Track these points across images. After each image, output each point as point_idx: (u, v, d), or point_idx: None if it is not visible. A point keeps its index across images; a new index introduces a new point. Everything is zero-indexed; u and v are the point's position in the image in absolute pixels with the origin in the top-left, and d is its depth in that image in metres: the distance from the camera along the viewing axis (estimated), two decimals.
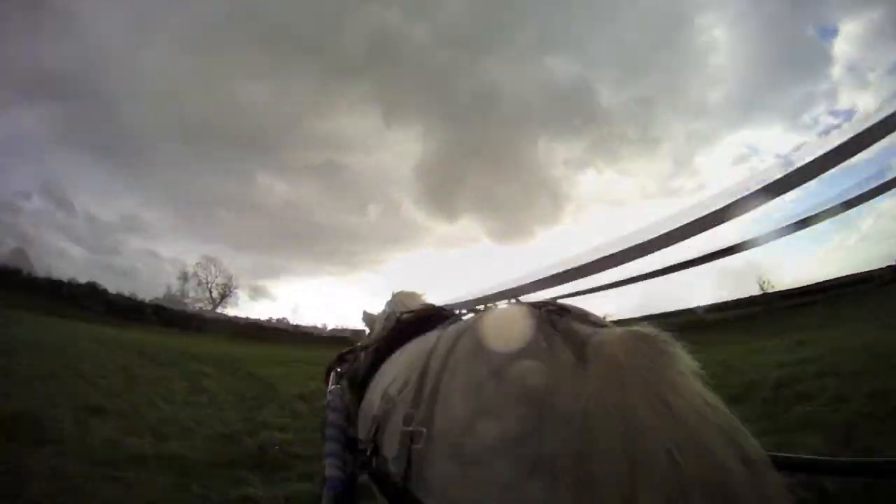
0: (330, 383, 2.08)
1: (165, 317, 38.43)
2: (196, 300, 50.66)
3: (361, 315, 2.75)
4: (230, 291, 52.55)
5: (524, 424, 0.86)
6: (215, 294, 51.41)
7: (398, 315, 1.92)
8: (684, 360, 0.82)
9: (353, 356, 2.33)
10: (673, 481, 0.66)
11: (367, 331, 2.63)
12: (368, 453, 1.24)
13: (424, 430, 1.00)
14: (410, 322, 1.77)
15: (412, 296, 2.37)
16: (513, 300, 1.48)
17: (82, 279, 39.68)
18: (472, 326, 1.13)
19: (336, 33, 74.38)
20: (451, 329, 1.20)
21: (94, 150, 65.90)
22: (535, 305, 1.11)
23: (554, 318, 1.02)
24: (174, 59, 67.49)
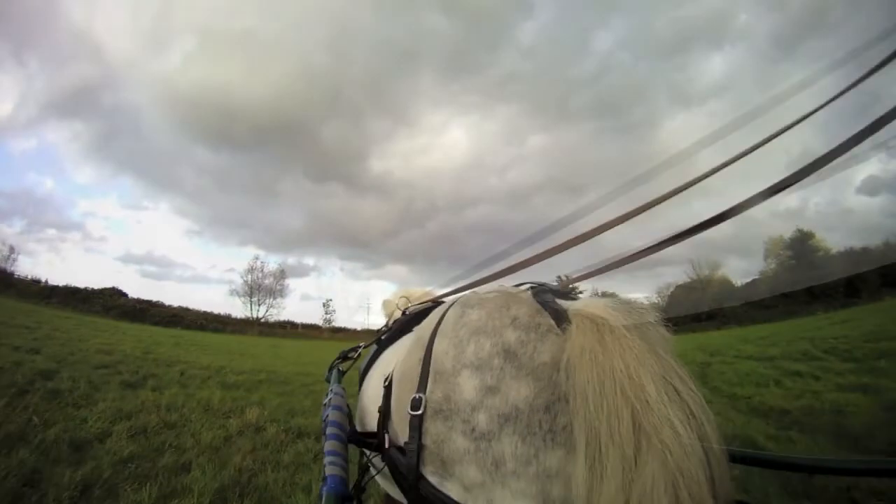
0: (332, 381, 2.08)
1: None
2: None
3: (382, 305, 2.79)
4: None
5: (533, 397, 0.89)
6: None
7: (403, 309, 2.03)
8: (661, 330, 0.89)
9: (357, 354, 2.36)
10: (660, 441, 0.74)
11: (385, 321, 2.65)
12: (382, 446, 1.25)
13: (434, 411, 1.01)
14: (412, 316, 1.81)
15: (417, 292, 2.43)
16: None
17: None
18: (465, 306, 1.13)
19: None
20: (447, 312, 1.18)
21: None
22: (521, 285, 1.20)
23: (541, 295, 1.07)
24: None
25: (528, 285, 1.22)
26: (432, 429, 1.01)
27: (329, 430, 1.49)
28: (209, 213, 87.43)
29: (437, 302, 1.88)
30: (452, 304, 1.22)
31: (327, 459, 1.37)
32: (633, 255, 1.31)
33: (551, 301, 1.04)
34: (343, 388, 1.82)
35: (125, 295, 42.39)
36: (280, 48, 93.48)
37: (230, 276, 54.23)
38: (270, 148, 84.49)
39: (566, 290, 1.17)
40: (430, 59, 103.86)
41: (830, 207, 55.19)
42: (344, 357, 2.40)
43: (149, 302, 42.29)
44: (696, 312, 45.56)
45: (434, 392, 1.03)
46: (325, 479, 1.30)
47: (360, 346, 2.38)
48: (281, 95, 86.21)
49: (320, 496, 1.24)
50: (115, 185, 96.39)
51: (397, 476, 1.15)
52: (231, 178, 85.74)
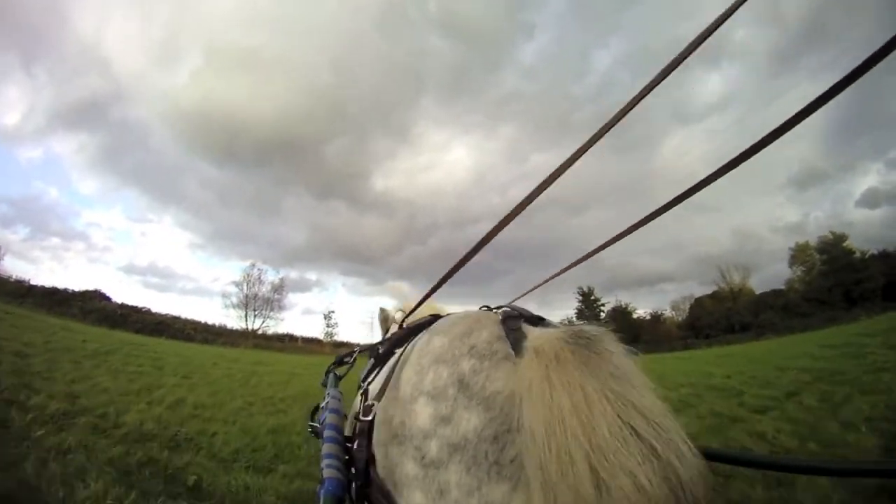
0: (329, 385, 2.10)
1: None
2: None
3: (378, 313, 2.82)
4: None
5: (483, 429, 0.91)
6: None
7: (400, 324, 2.08)
8: (619, 359, 0.84)
9: (352, 359, 2.39)
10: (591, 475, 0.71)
11: (382, 329, 2.78)
12: (351, 450, 1.34)
13: (391, 435, 1.08)
14: (409, 330, 1.72)
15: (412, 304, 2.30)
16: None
17: None
18: (432, 333, 1.20)
19: None
20: (423, 333, 1.26)
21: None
22: (495, 309, 1.29)
23: (509, 321, 1.10)
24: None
25: (503, 309, 1.23)
26: (389, 451, 1.08)
27: (326, 433, 1.52)
28: (212, 228, 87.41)
29: (433, 316, 1.78)
30: (427, 328, 1.29)
31: (324, 462, 1.40)
32: (596, 249, 1.36)
33: (516, 328, 1.05)
34: (340, 392, 1.87)
35: (108, 299, 39.36)
36: (285, 66, 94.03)
37: (233, 290, 50.28)
38: (274, 164, 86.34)
39: (537, 317, 1.17)
40: (433, 80, 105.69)
41: (831, 220, 53.40)
42: (340, 362, 2.44)
43: (133, 308, 39.29)
44: (728, 324, 44.56)
45: (394, 417, 1.09)
46: (322, 481, 1.33)
47: (355, 351, 2.40)
48: (285, 113, 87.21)
49: (318, 498, 1.27)
50: (120, 197, 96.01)
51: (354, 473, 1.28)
52: (234, 193, 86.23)
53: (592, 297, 49.74)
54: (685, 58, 1.12)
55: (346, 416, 1.66)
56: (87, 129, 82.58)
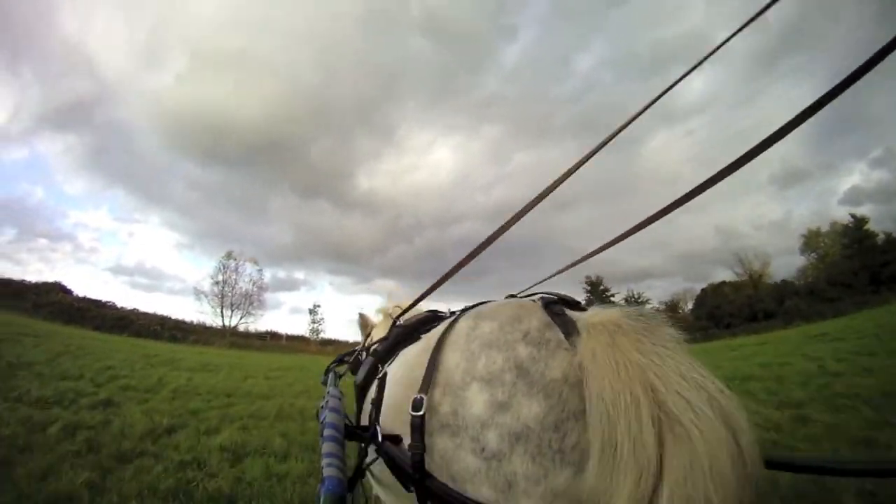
0: (328, 384, 2.09)
1: None
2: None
3: (357, 318, 2.83)
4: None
5: (544, 415, 0.90)
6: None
7: (394, 320, 1.99)
8: (672, 332, 0.91)
9: (353, 358, 2.40)
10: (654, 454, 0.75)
11: (362, 334, 2.79)
12: (375, 437, 1.29)
13: (441, 425, 1.02)
14: (410, 327, 1.77)
15: (404, 303, 2.25)
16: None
17: None
18: (477, 318, 1.15)
19: None
20: (456, 323, 1.20)
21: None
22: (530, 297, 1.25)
23: (552, 307, 1.08)
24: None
25: (539, 295, 1.22)
26: (439, 443, 1.02)
27: (326, 432, 1.49)
28: (199, 227, 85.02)
29: (430, 313, 1.90)
30: (462, 313, 1.24)
31: (325, 461, 1.38)
32: (597, 250, 1.37)
33: (561, 313, 1.05)
34: (340, 391, 1.82)
35: (69, 292, 35.42)
36: (269, 68, 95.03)
37: (207, 283, 46.10)
38: (260, 164, 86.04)
39: (575, 301, 1.17)
40: (416, 82, 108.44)
41: (815, 217, 54.10)
42: (340, 360, 2.49)
43: (94, 301, 35.55)
44: (752, 312, 42.13)
45: (441, 404, 1.04)
46: (322, 480, 1.31)
47: (355, 351, 2.38)
48: (270, 114, 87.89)
49: (318, 497, 1.24)
50: (107, 198, 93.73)
51: (396, 470, 1.18)
52: (221, 193, 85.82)
53: (601, 287, 46.80)
54: (689, 72, 1.26)
55: (346, 415, 1.64)
56: (74, 129, 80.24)
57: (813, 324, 24.00)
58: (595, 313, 0.98)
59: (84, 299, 35.18)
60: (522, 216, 1.31)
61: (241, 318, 46.25)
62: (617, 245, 1.31)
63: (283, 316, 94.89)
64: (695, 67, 1.22)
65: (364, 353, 2.19)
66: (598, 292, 46.84)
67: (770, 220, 64.00)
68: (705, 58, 1.20)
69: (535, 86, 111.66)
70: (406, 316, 1.98)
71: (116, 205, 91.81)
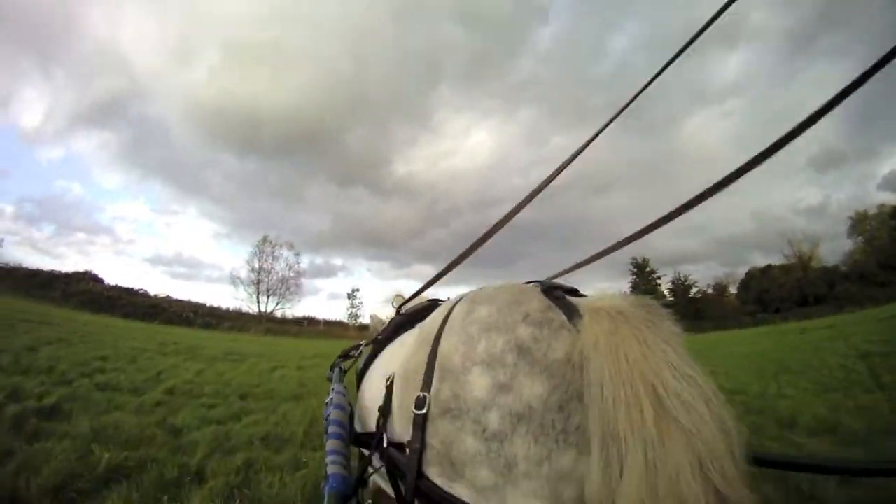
0: (333, 380, 2.02)
1: None
2: None
3: (370, 318, 2.79)
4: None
5: (547, 395, 0.87)
6: None
7: (397, 309, 2.00)
8: (672, 324, 0.89)
9: (358, 353, 2.28)
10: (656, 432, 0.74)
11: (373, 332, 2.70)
12: (380, 444, 1.24)
13: (442, 410, 0.99)
14: (409, 315, 1.76)
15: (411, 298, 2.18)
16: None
17: None
18: (474, 302, 1.11)
19: None
20: (454, 308, 1.15)
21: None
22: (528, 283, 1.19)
23: (552, 291, 1.06)
24: None
25: (535, 282, 1.18)
26: (441, 429, 0.98)
27: (331, 429, 1.49)
28: (237, 217, 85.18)
29: (432, 301, 1.85)
30: (459, 300, 1.20)
31: (329, 458, 1.37)
32: (620, 242, 1.30)
33: (561, 297, 1.03)
34: (345, 388, 1.81)
35: (100, 281, 34.82)
36: (303, 57, 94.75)
37: (243, 269, 47.43)
38: (296, 154, 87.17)
39: (573, 289, 1.12)
40: (450, 67, 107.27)
41: (853, 202, 52.27)
42: (346, 356, 2.35)
43: (125, 290, 35.12)
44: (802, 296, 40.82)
45: (441, 390, 1.00)
46: (326, 477, 1.30)
47: (361, 344, 2.27)
48: (305, 103, 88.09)
49: (322, 495, 1.24)
50: (144, 190, 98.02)
51: (396, 475, 1.17)
52: (257, 183, 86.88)
53: (648, 269, 44.18)
54: (684, 50, 1.26)
55: (350, 411, 1.66)
56: (108, 126, 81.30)
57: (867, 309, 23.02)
58: (598, 298, 0.96)
59: (115, 288, 34.86)
60: (526, 204, 1.33)
61: (277, 303, 45.39)
62: (656, 230, 1.22)
63: (321, 302, 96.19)
64: (682, 50, 1.27)
65: (368, 345, 2.17)
66: (644, 275, 45.17)
67: (808, 205, 63.28)
68: (690, 41, 1.27)
69: (569, 68, 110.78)
70: (409, 305, 1.94)
71: (153, 197, 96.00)
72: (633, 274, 45.45)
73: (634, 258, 45.23)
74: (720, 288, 45.76)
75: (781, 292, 41.76)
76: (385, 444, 1.19)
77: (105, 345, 9.91)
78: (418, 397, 1.02)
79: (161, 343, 11.98)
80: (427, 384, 1.03)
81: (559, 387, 0.86)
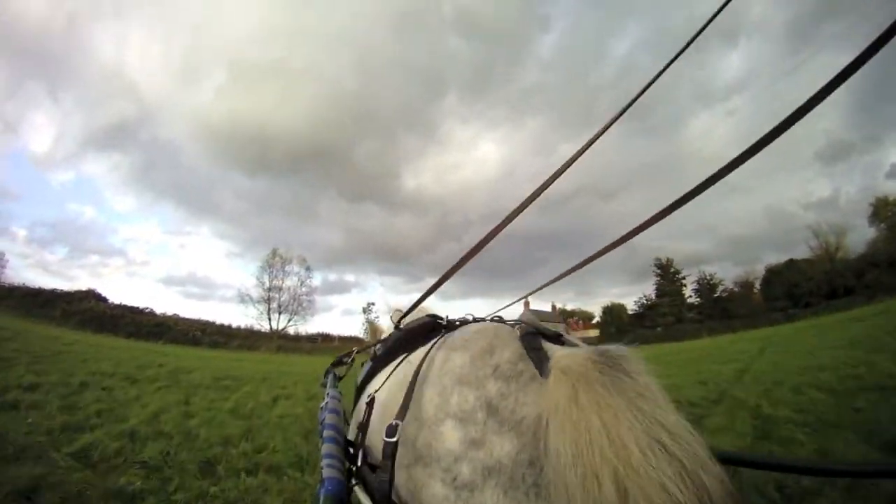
0: (328, 385, 2.07)
1: None
2: None
3: (365, 325, 6.53)
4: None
5: (517, 453, 0.87)
6: None
7: (396, 324, 2.00)
8: (644, 378, 0.83)
9: (350, 359, 2.35)
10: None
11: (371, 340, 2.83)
12: (358, 461, 1.30)
13: (415, 457, 1.01)
14: (407, 332, 1.75)
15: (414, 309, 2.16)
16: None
17: None
18: (450, 349, 1.15)
19: None
20: (432, 352, 1.21)
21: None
22: (514, 324, 1.22)
23: (528, 338, 1.05)
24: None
25: (521, 324, 1.19)
26: (413, 473, 1.01)
27: (326, 434, 1.48)
28: (249, 236, 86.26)
29: (430, 317, 1.78)
30: (440, 341, 1.24)
31: (324, 462, 1.36)
32: (627, 235, 1.27)
33: (537, 346, 1.02)
34: (339, 392, 1.84)
35: (104, 300, 33.55)
36: (309, 75, 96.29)
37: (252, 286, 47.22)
38: (306, 171, 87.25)
39: (555, 333, 1.11)
40: (455, 79, 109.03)
41: (863, 193, 51.21)
42: (339, 362, 2.38)
43: (130, 308, 33.70)
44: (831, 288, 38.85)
45: (417, 438, 1.03)
46: (322, 481, 1.29)
47: (353, 351, 2.35)
48: (313, 121, 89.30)
49: (317, 498, 1.22)
50: (156, 212, 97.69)
51: (370, 493, 1.20)
52: (269, 201, 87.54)
53: (672, 270, 42.38)
54: (685, 49, 1.21)
55: (345, 417, 1.65)
56: (119, 149, 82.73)
57: None
58: (563, 355, 0.92)
59: (119, 306, 33.52)
60: (521, 211, 1.31)
61: (289, 320, 43.83)
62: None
63: (334, 318, 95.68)
64: (677, 57, 1.23)
65: (360, 352, 2.33)
66: (669, 276, 43.79)
67: (818, 198, 62.99)
68: (688, 44, 1.22)
69: (573, 74, 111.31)
70: (409, 318, 1.94)
71: (166, 218, 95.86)
72: (658, 275, 44.04)
73: (658, 259, 44.30)
74: (747, 285, 43.80)
75: (810, 286, 39.81)
76: (359, 463, 1.27)
77: (76, 368, 7.93)
78: (390, 425, 1.04)
79: (140, 366, 9.92)
80: (402, 413, 1.05)
81: (528, 444, 0.86)
